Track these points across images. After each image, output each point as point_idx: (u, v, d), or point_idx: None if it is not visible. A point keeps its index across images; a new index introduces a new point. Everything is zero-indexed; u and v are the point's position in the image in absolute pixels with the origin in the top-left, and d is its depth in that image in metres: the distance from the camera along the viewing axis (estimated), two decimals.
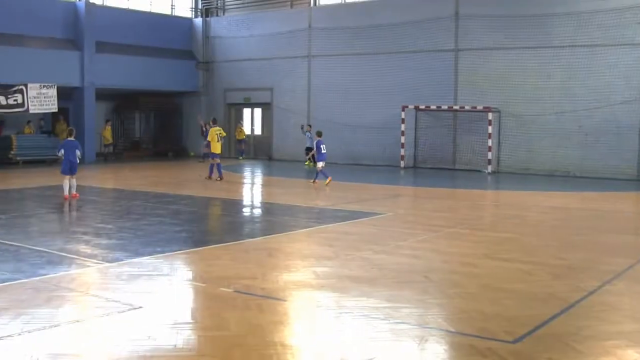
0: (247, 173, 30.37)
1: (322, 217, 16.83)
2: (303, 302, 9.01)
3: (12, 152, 31.72)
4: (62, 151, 19.30)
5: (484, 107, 29.70)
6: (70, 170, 19.16)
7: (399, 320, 8.01)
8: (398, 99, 32.18)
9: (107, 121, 36.95)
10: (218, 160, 25.39)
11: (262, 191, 24.67)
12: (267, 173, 30.73)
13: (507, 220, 16.68)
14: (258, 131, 39.42)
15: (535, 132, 29.36)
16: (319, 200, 20.02)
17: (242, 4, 40.23)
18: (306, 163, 32.01)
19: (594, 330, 7.72)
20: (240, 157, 37.40)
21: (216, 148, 25.44)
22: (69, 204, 18.39)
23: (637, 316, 8.47)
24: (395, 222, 15.95)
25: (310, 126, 33.30)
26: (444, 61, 31.43)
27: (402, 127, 31.60)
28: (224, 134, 26.73)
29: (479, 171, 30.04)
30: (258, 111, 39.23)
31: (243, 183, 26.69)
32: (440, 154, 32.02)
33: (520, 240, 13.70)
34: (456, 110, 31.11)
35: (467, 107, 30.42)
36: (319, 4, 36.55)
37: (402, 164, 31.81)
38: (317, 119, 35.06)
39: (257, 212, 19.07)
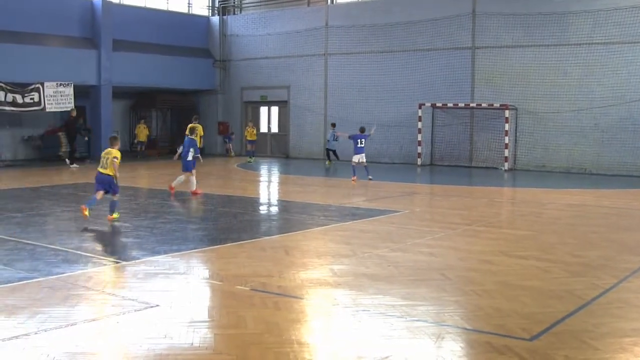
0: (263, 171, 30.40)
1: (338, 214, 16.82)
2: (320, 300, 9.02)
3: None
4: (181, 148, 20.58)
5: (501, 105, 29.63)
6: (183, 167, 20.22)
7: (416, 317, 8.00)
8: (415, 97, 32.19)
9: (140, 119, 37.40)
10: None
11: (278, 189, 24.67)
12: (284, 171, 30.74)
13: (523, 218, 16.64)
14: (275, 129, 39.44)
15: (551, 130, 29.29)
16: (336, 198, 20.02)
17: (259, 2, 40.28)
18: (327, 163, 32.14)
19: (610, 327, 7.69)
20: (250, 159, 35.22)
21: None
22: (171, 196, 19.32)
23: None
24: (412, 220, 15.93)
25: (334, 125, 33.11)
26: (461, 59, 31.38)
27: (419, 124, 31.57)
28: (202, 132, 28.20)
29: (495, 168, 29.97)
30: (275, 109, 39.25)
31: (260, 181, 26.73)
32: (457, 151, 31.98)
33: (536, 237, 13.66)
34: (473, 108, 31.05)
35: (484, 105, 30.35)
36: (335, 2, 36.53)
37: (419, 161, 31.78)
38: (334, 117, 35.06)
39: (274, 210, 19.08)
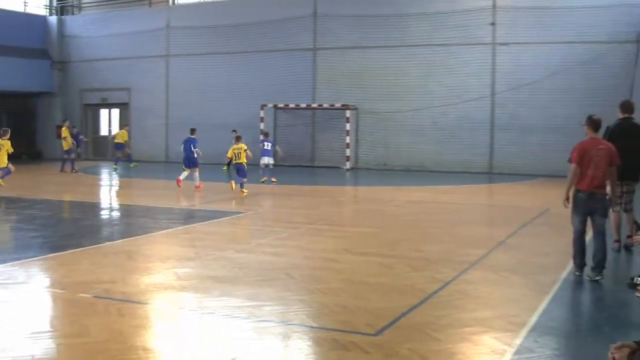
0: (104, 175, 29.80)
1: (182, 217, 16.68)
2: (164, 304, 8.90)
3: None
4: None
5: (342, 105, 30.11)
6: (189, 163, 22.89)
7: (262, 318, 8.01)
8: (258, 98, 32.26)
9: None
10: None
11: (120, 193, 24.23)
12: (125, 175, 30.17)
13: (366, 215, 16.95)
14: (115, 132, 38.66)
15: (392, 129, 29.98)
16: (180, 201, 19.84)
17: (99, 2, 39.43)
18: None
19: (451, 319, 7.93)
20: (131, 164, 32.96)
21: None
22: None
23: (492, 303, 8.77)
24: (256, 221, 15.98)
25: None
26: (303, 60, 31.68)
27: (262, 125, 31.64)
28: (126, 138, 30.44)
29: (338, 168, 30.40)
30: (115, 112, 38.53)
31: (100, 185, 26.19)
32: (299, 151, 32.25)
33: (379, 234, 13.94)
34: (315, 108, 31.39)
35: (325, 105, 30.74)
36: (177, 2, 36.20)
37: (262, 162, 31.79)
38: (176, 119, 34.76)
39: (116, 214, 18.70)
